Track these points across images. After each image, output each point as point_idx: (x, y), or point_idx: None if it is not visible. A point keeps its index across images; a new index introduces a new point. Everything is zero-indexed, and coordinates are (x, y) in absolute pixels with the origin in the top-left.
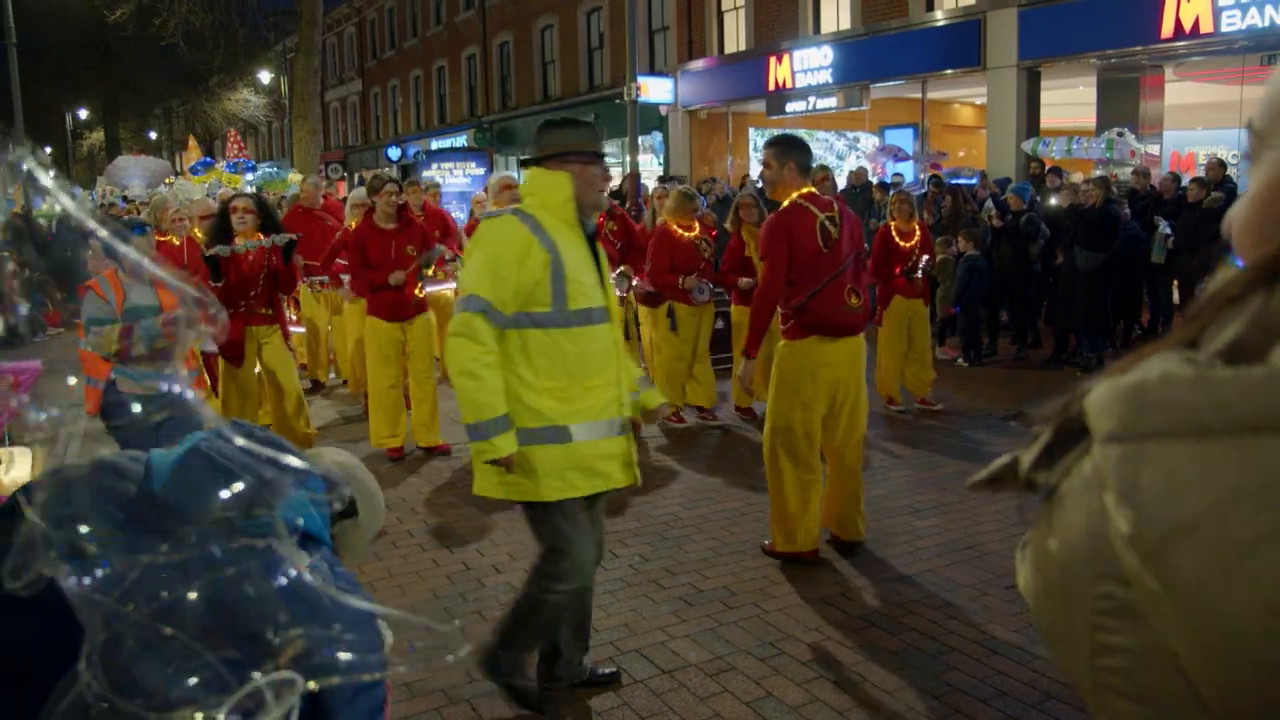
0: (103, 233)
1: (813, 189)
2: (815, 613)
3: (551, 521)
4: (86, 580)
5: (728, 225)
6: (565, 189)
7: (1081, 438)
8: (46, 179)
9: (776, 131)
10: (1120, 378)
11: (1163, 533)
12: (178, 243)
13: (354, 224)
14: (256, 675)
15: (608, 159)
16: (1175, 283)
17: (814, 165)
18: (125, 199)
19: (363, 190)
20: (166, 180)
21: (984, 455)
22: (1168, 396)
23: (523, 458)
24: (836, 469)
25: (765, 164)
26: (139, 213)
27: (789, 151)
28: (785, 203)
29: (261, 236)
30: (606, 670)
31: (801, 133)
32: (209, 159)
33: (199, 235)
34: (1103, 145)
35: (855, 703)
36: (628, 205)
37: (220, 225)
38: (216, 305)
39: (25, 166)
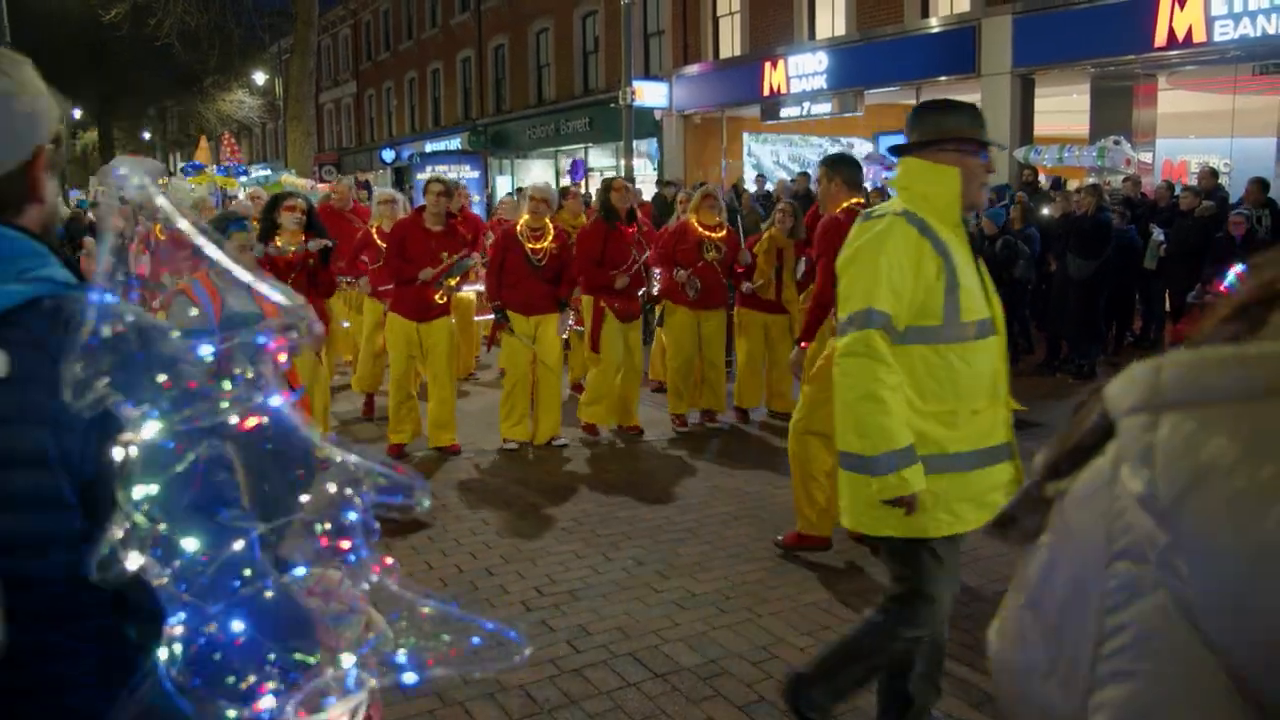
0: (202, 233)
1: (861, 200)
2: (808, 617)
3: (921, 560)
4: (170, 568)
5: (764, 226)
6: (953, 185)
7: (1092, 453)
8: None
9: (767, 136)
10: (1140, 365)
11: (1178, 486)
12: None
13: (379, 223)
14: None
15: (602, 164)
16: (1167, 290)
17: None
18: (122, 200)
19: (389, 189)
20: (160, 180)
21: None
22: (1183, 372)
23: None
24: None
25: (818, 180)
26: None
27: (836, 167)
28: (838, 210)
29: (305, 238)
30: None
31: (795, 138)
32: (199, 163)
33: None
34: (1094, 153)
35: (847, 707)
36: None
37: (265, 223)
38: (313, 315)
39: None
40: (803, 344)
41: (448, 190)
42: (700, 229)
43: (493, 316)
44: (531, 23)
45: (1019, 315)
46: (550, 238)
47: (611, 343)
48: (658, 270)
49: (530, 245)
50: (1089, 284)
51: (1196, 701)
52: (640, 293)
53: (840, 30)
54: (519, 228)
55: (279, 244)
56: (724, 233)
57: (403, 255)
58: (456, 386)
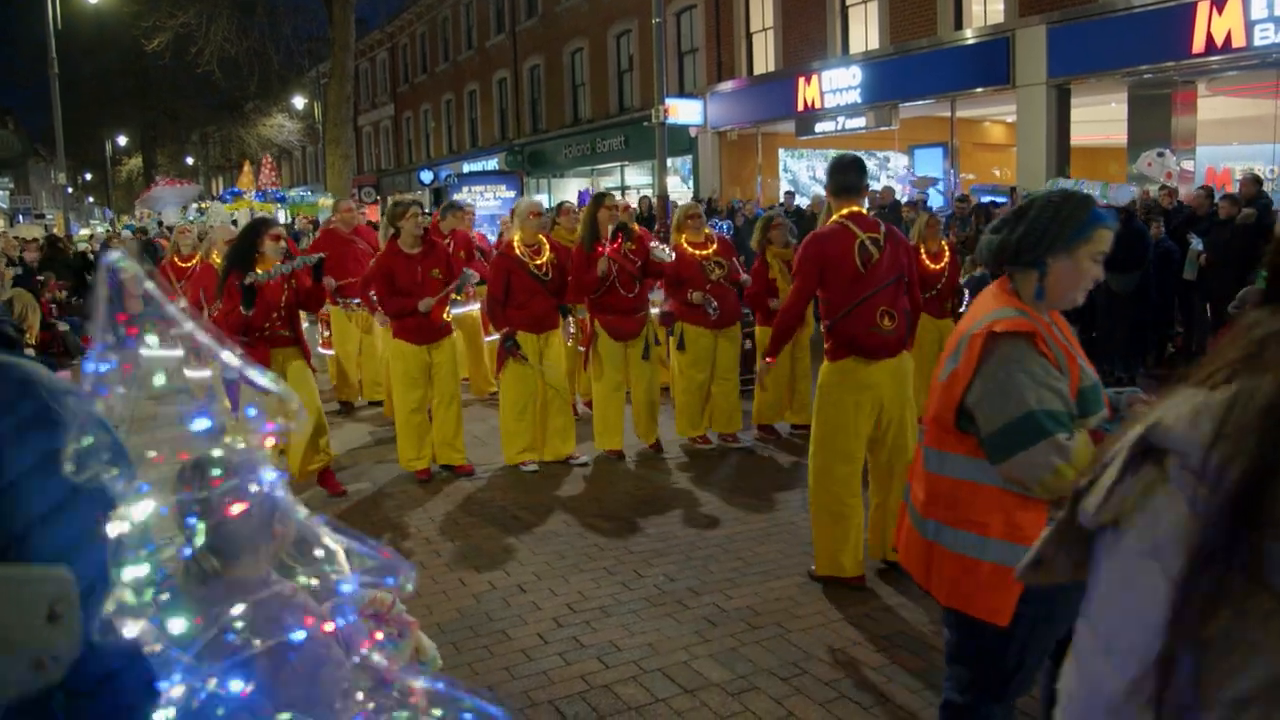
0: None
1: (858, 209)
2: (839, 633)
3: None
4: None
5: (753, 245)
6: None
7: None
8: None
9: (803, 151)
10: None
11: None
12: (194, 266)
13: None
14: None
15: (638, 181)
16: (1207, 301)
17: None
18: (160, 223)
19: None
20: (200, 205)
21: None
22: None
23: None
24: (888, 492)
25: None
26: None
27: (829, 174)
28: (828, 223)
29: (279, 262)
30: None
31: (831, 153)
32: (237, 189)
33: (216, 260)
34: (1098, 190)
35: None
36: (656, 227)
37: (243, 248)
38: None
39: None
40: (768, 358)
41: (422, 211)
42: (690, 249)
43: (497, 338)
44: (566, 43)
45: None
46: (548, 250)
47: (611, 362)
48: (662, 292)
49: (533, 261)
50: (1132, 298)
51: None
52: (658, 313)
53: (874, 44)
54: (516, 248)
55: (259, 272)
56: (714, 247)
57: (395, 289)
58: (474, 405)
